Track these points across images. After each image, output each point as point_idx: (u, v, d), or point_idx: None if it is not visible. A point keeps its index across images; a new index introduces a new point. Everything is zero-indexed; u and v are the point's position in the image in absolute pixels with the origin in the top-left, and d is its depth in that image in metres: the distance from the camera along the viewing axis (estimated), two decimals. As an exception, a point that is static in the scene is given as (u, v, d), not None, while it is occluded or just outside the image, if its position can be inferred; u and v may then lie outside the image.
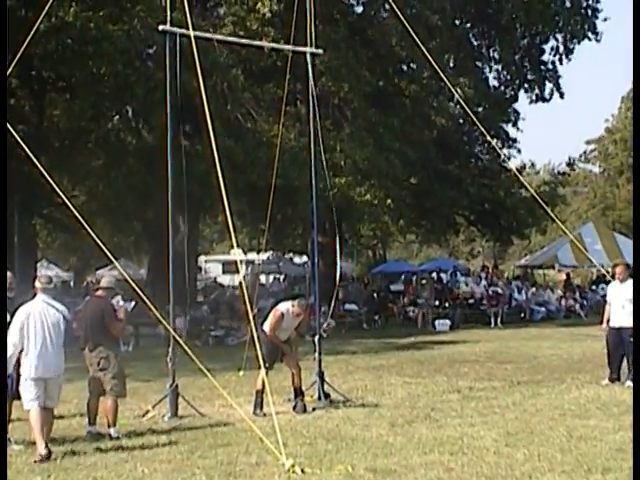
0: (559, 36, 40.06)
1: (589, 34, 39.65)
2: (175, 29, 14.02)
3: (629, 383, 15.46)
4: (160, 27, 14.19)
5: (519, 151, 43.70)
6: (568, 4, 38.90)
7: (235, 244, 12.78)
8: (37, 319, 10.85)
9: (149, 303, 12.66)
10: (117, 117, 30.66)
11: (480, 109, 36.56)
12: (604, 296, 21.90)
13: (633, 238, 25.95)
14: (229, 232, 13.40)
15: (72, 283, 49.29)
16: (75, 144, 29.27)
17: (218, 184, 12.06)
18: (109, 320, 12.13)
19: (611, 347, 16.36)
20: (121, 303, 12.59)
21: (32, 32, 14.42)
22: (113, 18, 25.04)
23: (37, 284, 11.31)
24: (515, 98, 41.43)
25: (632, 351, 15.71)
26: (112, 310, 12.29)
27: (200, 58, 12.75)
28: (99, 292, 12.71)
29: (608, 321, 16.54)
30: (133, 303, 12.96)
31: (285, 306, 13.90)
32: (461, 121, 37.53)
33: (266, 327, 13.82)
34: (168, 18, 14.01)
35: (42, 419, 10.75)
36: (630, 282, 16.30)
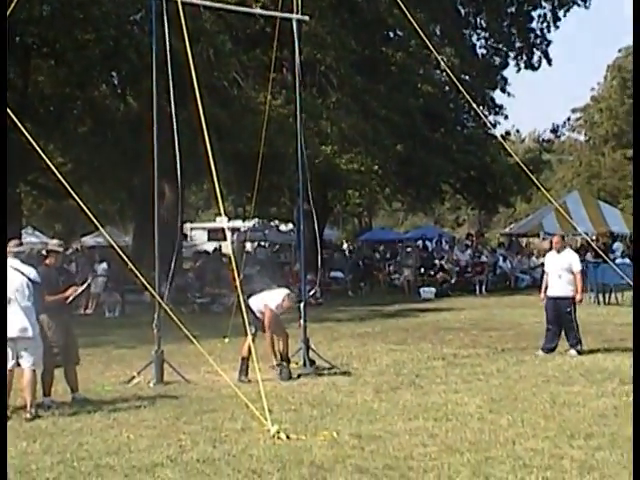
0: (547, 3, 39.95)
1: (578, 0, 39.53)
2: (161, -6, 13.90)
3: (572, 352, 15.79)
4: (146, -8, 14.11)
5: (506, 117, 43.88)
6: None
7: (223, 211, 12.71)
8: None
9: (134, 269, 12.65)
10: (103, 84, 30.43)
11: (467, 77, 36.50)
12: (583, 261, 22.04)
13: (633, 238, 26.16)
14: (216, 200, 13.36)
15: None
16: (61, 110, 29.04)
17: (205, 151, 12.00)
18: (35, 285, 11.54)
19: (550, 317, 16.29)
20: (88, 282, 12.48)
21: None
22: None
23: (8, 249, 11.34)
24: (505, 65, 41.35)
25: (569, 321, 15.99)
26: (44, 275, 11.65)
27: (188, 24, 12.66)
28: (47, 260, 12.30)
29: (546, 290, 16.53)
30: (85, 285, 12.91)
31: (274, 301, 13.84)
32: (447, 88, 37.42)
33: (263, 313, 13.74)
34: (154, -17, 13.91)
35: (9, 381, 10.97)
36: (567, 252, 16.57)
